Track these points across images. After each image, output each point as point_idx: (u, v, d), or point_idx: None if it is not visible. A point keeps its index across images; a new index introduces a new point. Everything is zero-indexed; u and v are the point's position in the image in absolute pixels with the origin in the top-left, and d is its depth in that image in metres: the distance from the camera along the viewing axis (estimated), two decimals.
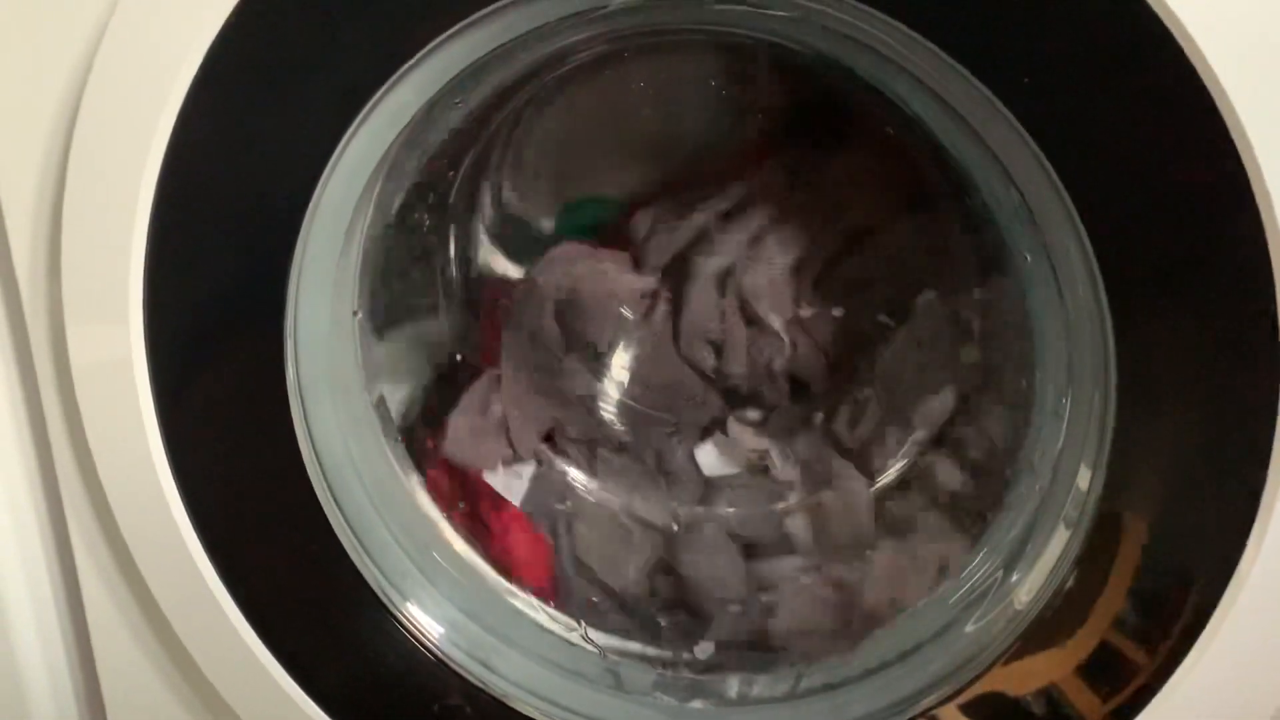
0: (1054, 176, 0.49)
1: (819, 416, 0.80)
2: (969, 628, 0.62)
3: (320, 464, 0.64)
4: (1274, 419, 0.48)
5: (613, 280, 0.77)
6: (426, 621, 0.66)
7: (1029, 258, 0.59)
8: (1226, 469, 0.50)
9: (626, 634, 0.72)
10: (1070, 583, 0.55)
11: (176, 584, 0.64)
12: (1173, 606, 0.52)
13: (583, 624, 0.71)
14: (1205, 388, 0.50)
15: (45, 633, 0.73)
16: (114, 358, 0.59)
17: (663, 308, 0.79)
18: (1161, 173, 0.47)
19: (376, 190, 0.63)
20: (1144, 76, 0.46)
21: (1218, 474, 0.51)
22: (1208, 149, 0.46)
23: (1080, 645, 0.55)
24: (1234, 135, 0.45)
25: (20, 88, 0.58)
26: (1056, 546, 0.57)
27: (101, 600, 0.69)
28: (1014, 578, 0.60)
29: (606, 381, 0.82)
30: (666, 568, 0.78)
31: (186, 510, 0.61)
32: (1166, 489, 0.52)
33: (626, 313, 0.79)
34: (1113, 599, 0.54)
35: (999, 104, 0.49)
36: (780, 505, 0.79)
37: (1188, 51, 0.45)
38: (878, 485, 0.76)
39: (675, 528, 0.79)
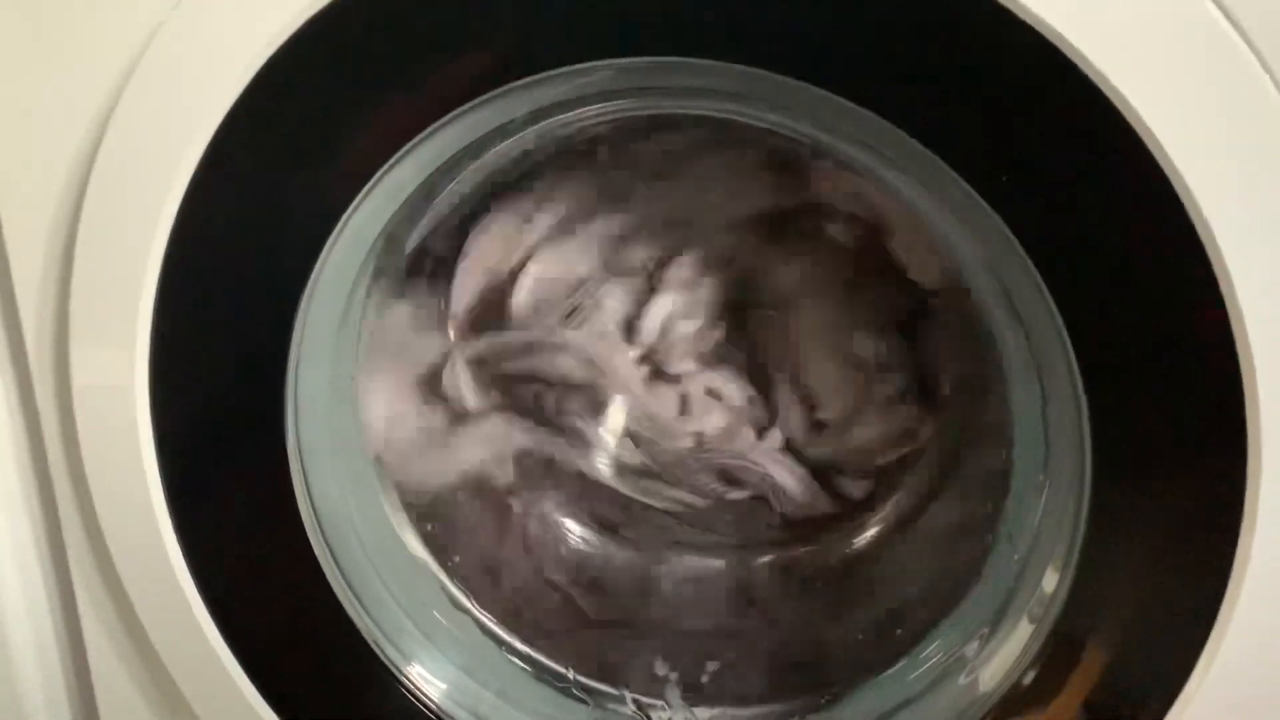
0: (1031, 266, 0.51)
1: None
2: (929, 706, 0.63)
3: (319, 522, 0.65)
4: (1234, 547, 0.49)
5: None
6: (426, 679, 0.67)
7: (1010, 338, 0.60)
8: (1185, 595, 0.52)
9: None
10: (1028, 680, 0.57)
11: (178, 639, 0.65)
12: None
13: (571, 671, 0.72)
14: (1171, 504, 0.52)
15: (47, 669, 0.72)
16: (120, 423, 0.60)
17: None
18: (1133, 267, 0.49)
19: (375, 261, 0.64)
20: (1114, 174, 0.47)
21: (1176, 600, 0.52)
22: (1175, 241, 0.47)
23: None
24: (1200, 232, 0.46)
25: (34, 151, 0.58)
26: (1019, 640, 0.59)
27: (102, 645, 0.69)
28: (975, 662, 0.62)
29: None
30: None
31: (191, 574, 0.63)
32: (1130, 605, 0.54)
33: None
34: (1066, 707, 0.56)
35: (981, 200, 0.50)
36: None
37: (1153, 151, 0.46)
38: (855, 546, 0.78)
39: None
